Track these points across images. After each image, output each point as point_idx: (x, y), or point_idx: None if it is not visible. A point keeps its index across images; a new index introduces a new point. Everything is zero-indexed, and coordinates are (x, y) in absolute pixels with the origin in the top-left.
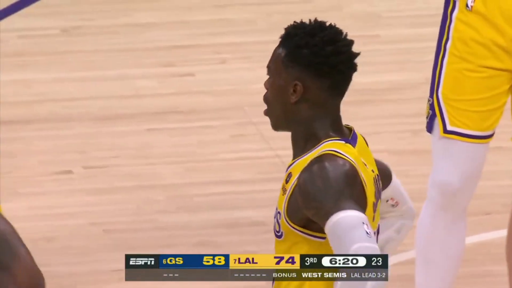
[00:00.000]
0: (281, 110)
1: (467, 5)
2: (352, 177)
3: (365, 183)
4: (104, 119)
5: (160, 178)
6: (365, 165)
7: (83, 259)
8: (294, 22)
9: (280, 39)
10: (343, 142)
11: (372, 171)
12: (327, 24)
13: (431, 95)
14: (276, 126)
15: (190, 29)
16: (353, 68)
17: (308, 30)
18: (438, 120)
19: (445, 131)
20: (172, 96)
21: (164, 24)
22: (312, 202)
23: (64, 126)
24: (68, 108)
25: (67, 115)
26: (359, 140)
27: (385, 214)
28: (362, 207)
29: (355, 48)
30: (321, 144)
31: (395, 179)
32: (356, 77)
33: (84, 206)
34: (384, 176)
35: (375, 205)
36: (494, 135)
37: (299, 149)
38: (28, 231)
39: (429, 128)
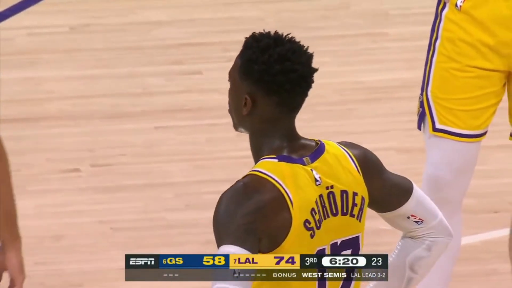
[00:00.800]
0: (236, 118)
1: (456, 5)
2: (258, 202)
3: (291, 204)
4: (112, 117)
5: (168, 176)
6: (316, 180)
7: (91, 257)
8: (253, 33)
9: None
10: (276, 160)
11: (329, 187)
12: (287, 38)
13: (421, 93)
14: (235, 128)
15: (198, 27)
16: (305, 85)
17: (262, 45)
18: (427, 118)
19: (434, 129)
20: (181, 94)
21: (172, 22)
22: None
23: (73, 124)
24: (77, 106)
25: (75, 113)
26: (328, 155)
27: (412, 232)
28: (268, 234)
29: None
30: (259, 160)
31: (416, 195)
32: (364, 75)
33: (92, 204)
34: (400, 191)
35: (319, 222)
36: (502, 133)
37: (255, 159)
38: (36, 229)
39: (419, 125)
